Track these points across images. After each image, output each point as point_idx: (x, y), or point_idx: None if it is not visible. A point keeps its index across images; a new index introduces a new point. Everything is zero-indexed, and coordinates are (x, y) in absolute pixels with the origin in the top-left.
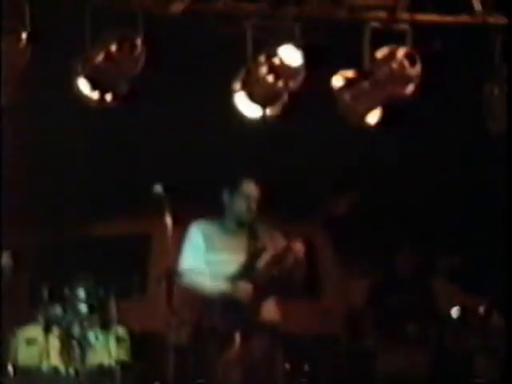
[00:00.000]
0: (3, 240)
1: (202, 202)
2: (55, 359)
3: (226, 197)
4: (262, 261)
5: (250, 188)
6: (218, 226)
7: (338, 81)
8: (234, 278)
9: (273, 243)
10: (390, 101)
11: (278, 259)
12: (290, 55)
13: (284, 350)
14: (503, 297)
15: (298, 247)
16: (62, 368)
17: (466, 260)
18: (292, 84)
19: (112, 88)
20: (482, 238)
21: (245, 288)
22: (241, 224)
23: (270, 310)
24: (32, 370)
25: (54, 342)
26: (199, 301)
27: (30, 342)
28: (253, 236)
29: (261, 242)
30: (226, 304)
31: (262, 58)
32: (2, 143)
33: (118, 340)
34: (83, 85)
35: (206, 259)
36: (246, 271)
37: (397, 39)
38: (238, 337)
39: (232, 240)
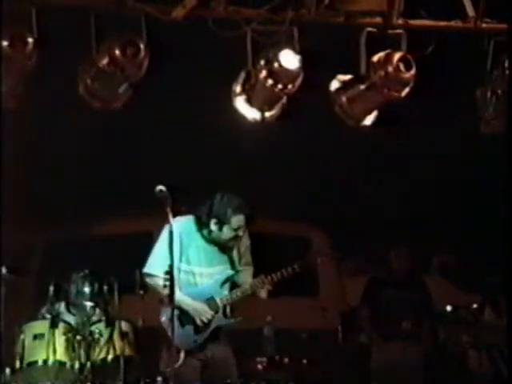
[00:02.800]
0: (6, 239)
1: (202, 202)
2: (61, 354)
3: (213, 223)
4: (228, 286)
5: (240, 220)
6: (195, 230)
7: (335, 84)
8: (196, 294)
9: (244, 270)
10: (386, 104)
11: (241, 293)
12: (289, 59)
13: (282, 345)
14: (502, 295)
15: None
16: (67, 362)
17: (461, 258)
18: (290, 87)
19: (115, 91)
20: (477, 236)
21: (204, 311)
22: (223, 245)
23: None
24: (38, 365)
25: (60, 338)
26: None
27: (37, 337)
28: (228, 255)
29: (235, 263)
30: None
31: (262, 62)
32: (4, 144)
33: (122, 335)
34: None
35: (176, 265)
36: (212, 290)
37: (392, 44)
38: (182, 354)
39: (207, 254)
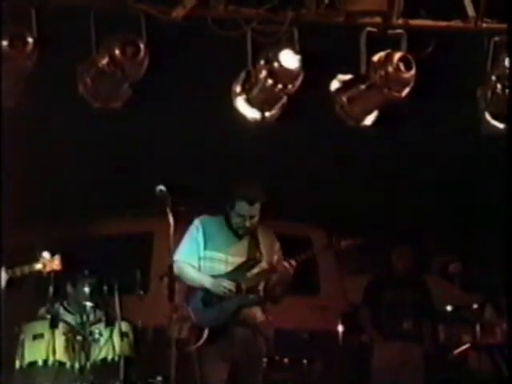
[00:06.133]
0: (7, 240)
1: (202, 202)
2: (61, 354)
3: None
4: (254, 271)
5: (244, 208)
6: (221, 224)
7: (335, 84)
8: (223, 277)
9: (268, 257)
10: (387, 103)
11: (264, 274)
12: (289, 59)
13: (282, 345)
14: (502, 295)
15: (284, 268)
16: (67, 363)
17: (462, 258)
18: (290, 87)
19: (116, 91)
20: (477, 236)
21: (228, 285)
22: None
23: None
24: (38, 365)
25: (60, 338)
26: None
27: (37, 337)
28: (254, 243)
29: (260, 251)
30: (205, 299)
31: (262, 62)
32: (4, 144)
33: (122, 335)
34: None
35: (201, 254)
36: (236, 276)
37: (392, 44)
38: (205, 332)
39: (233, 242)
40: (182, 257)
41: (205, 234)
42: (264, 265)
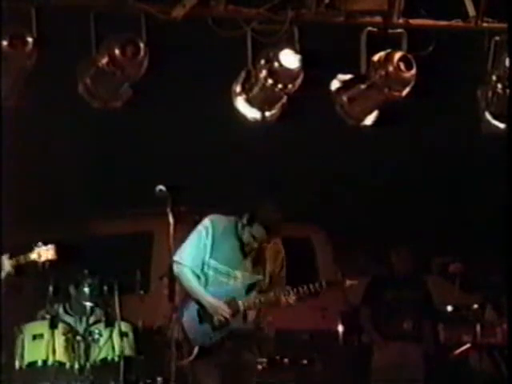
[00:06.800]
0: (7, 240)
1: (202, 202)
2: (60, 355)
3: (242, 221)
4: (257, 295)
5: (260, 232)
6: (230, 231)
7: (335, 84)
8: (221, 294)
9: (273, 276)
10: (387, 103)
11: (266, 304)
12: (289, 59)
13: (282, 345)
14: (503, 295)
15: (287, 302)
16: (67, 363)
17: (462, 258)
18: (290, 87)
19: (115, 91)
20: (477, 236)
21: (226, 313)
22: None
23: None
24: (38, 365)
25: (60, 338)
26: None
27: (37, 337)
28: (259, 260)
29: (264, 269)
30: (201, 314)
31: (262, 62)
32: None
33: (122, 335)
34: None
35: (206, 261)
36: (238, 293)
37: (393, 43)
38: (196, 350)
39: (239, 256)
40: (185, 260)
41: (213, 240)
42: (266, 285)
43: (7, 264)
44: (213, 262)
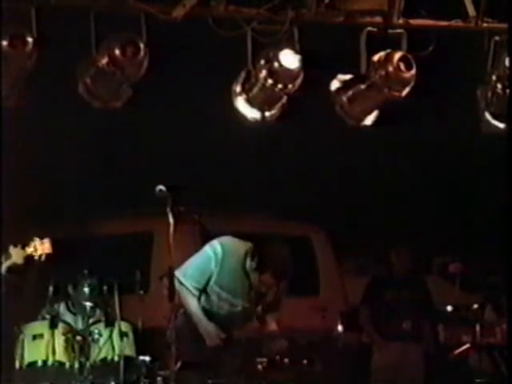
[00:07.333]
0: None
1: (202, 202)
2: (60, 354)
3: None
4: (255, 327)
5: (267, 279)
6: (239, 259)
7: (335, 84)
8: (219, 318)
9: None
10: (387, 103)
11: (264, 340)
12: (289, 59)
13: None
14: (503, 295)
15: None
16: (67, 363)
17: (462, 258)
18: (290, 87)
19: (115, 91)
20: (477, 236)
21: (221, 341)
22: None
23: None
24: (38, 365)
25: (60, 338)
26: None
27: (37, 337)
28: (259, 297)
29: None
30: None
31: (262, 62)
32: (4, 143)
33: (122, 335)
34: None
35: (209, 285)
36: (236, 320)
37: (392, 44)
38: (179, 364)
39: (244, 285)
40: (187, 281)
41: (221, 268)
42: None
43: (16, 254)
44: (216, 289)
